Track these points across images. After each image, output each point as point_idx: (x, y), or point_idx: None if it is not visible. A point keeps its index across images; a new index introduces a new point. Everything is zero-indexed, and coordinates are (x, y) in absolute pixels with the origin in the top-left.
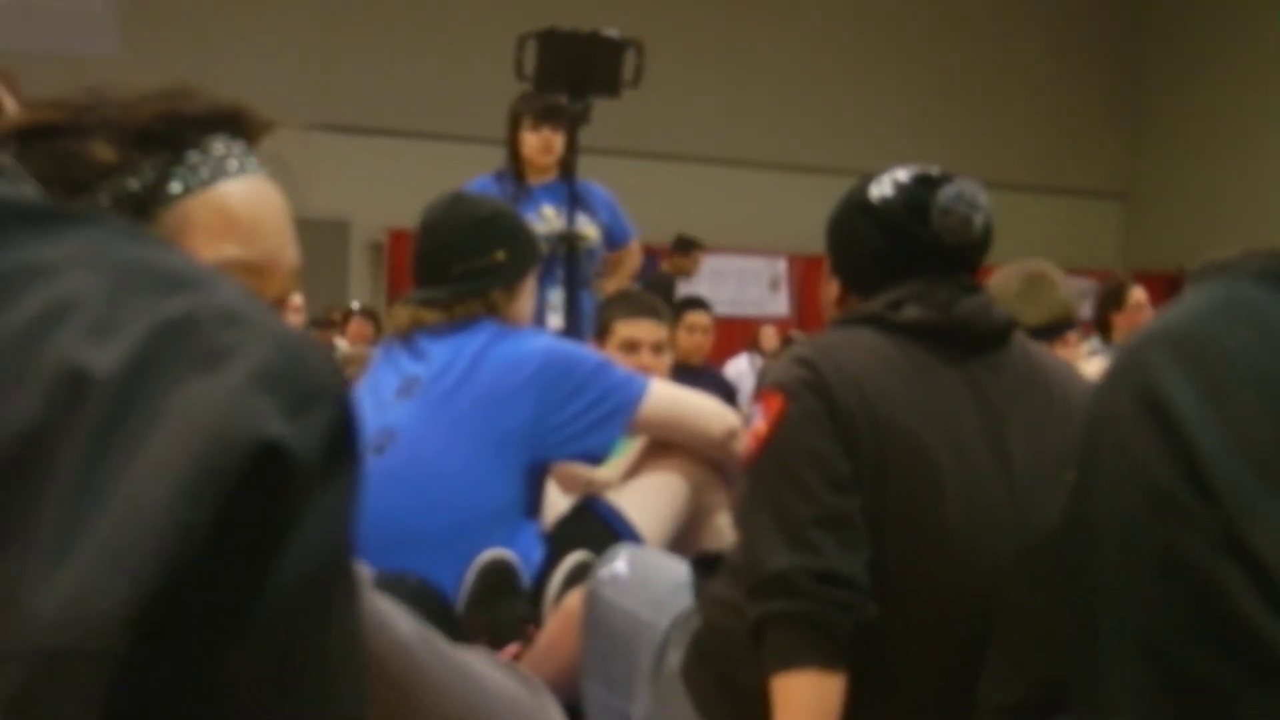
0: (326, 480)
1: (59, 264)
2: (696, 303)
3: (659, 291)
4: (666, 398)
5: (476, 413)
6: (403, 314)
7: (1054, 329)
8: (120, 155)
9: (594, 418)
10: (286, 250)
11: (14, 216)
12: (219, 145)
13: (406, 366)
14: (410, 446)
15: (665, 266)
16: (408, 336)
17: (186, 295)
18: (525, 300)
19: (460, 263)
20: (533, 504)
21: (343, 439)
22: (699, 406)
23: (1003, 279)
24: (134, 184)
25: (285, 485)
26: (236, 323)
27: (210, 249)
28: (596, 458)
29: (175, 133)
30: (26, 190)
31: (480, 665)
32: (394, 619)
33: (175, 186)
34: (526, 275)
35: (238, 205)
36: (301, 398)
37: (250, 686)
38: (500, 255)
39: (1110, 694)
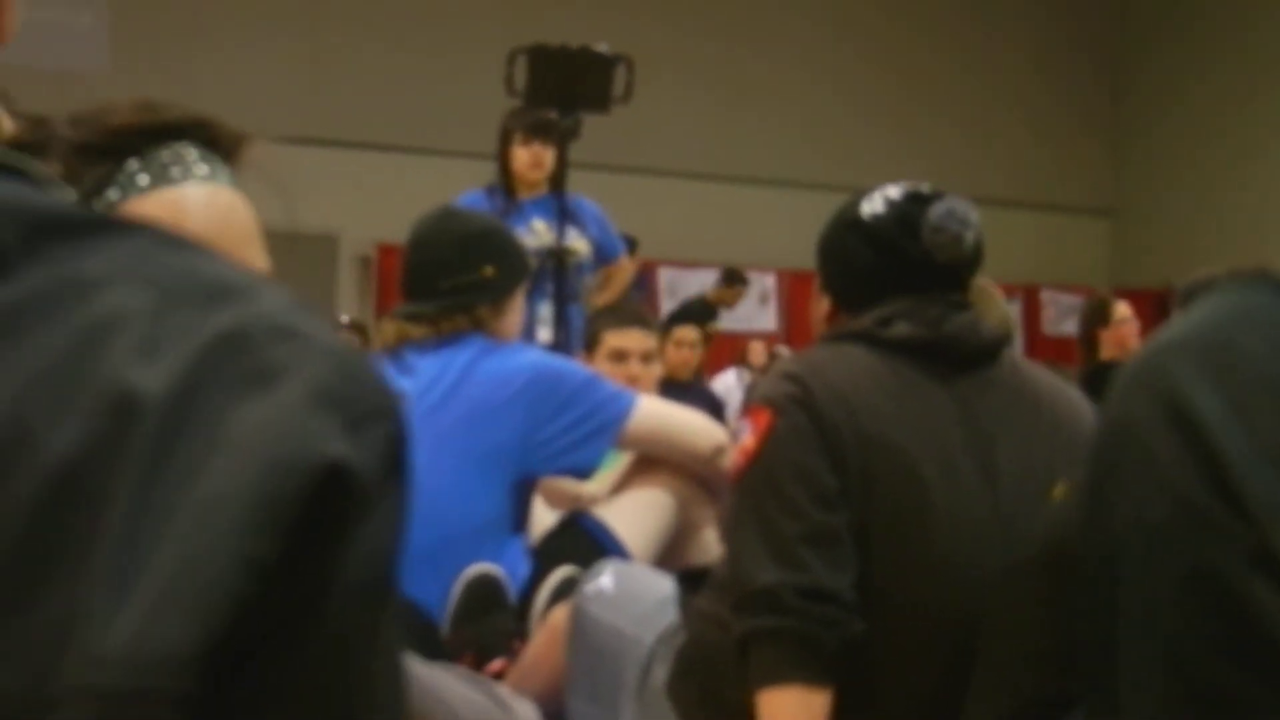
0: (381, 498)
1: (101, 278)
2: (685, 317)
3: (700, 318)
4: (654, 413)
5: (463, 427)
6: (390, 329)
7: None
8: (66, 168)
9: (582, 433)
10: (242, 255)
11: (51, 228)
12: (166, 153)
13: (406, 364)
14: None
15: (710, 296)
16: (395, 352)
17: (235, 307)
18: (513, 316)
19: (448, 278)
20: (519, 519)
21: (397, 455)
22: (687, 422)
23: None
24: (70, 194)
25: (346, 505)
26: (289, 337)
27: None
28: (584, 472)
29: (129, 145)
30: (60, 198)
31: (451, 687)
32: None
33: (112, 194)
34: (514, 291)
35: (180, 210)
36: (360, 415)
37: (303, 709)
38: (488, 271)
39: (1131, 704)
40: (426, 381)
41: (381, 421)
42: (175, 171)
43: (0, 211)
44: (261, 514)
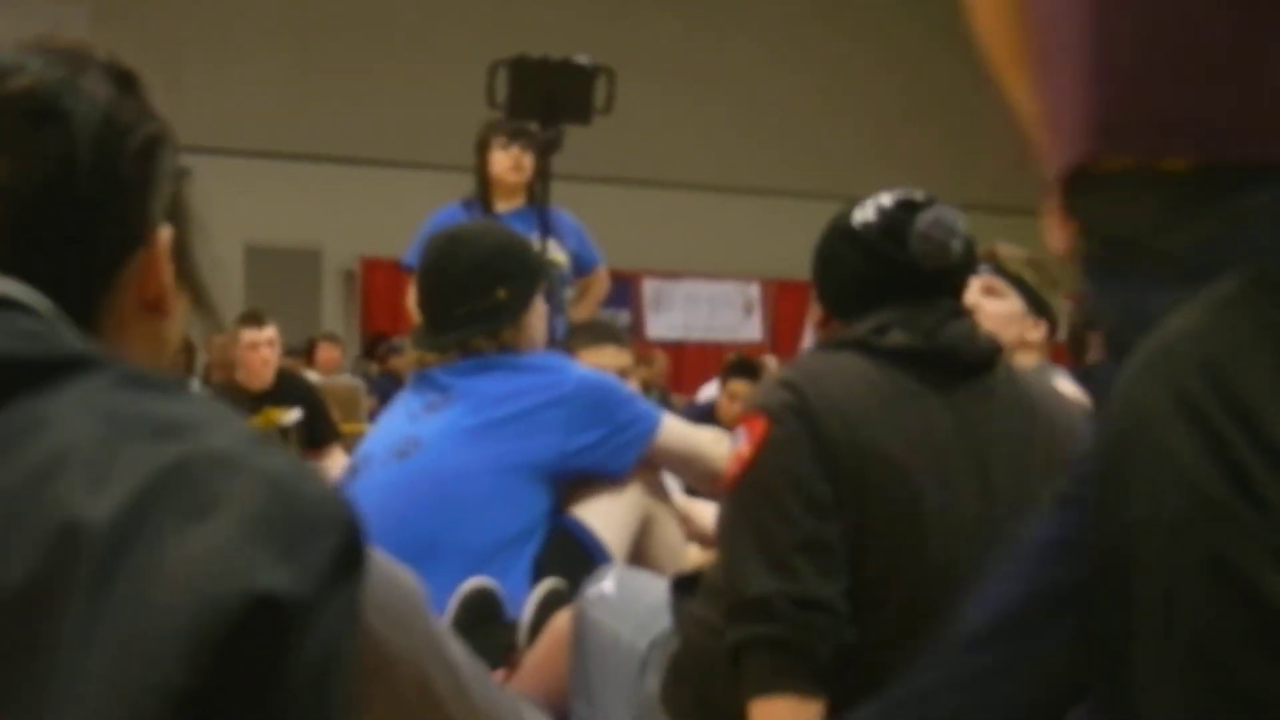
0: (324, 605)
1: (56, 415)
2: (749, 370)
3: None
4: (678, 431)
5: (502, 435)
6: (411, 358)
7: None
8: None
9: (616, 444)
10: None
11: (18, 372)
12: None
13: (440, 382)
14: (434, 459)
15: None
16: (422, 373)
17: (179, 441)
18: (535, 324)
19: (462, 305)
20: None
21: (343, 563)
22: (707, 441)
23: None
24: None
25: (279, 629)
26: (228, 467)
27: None
28: (611, 477)
29: None
30: (26, 328)
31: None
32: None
33: None
34: (531, 302)
35: None
36: (295, 538)
37: None
38: (501, 294)
39: (1152, 698)
40: (469, 388)
41: (323, 538)
42: None
43: None
44: (189, 647)
